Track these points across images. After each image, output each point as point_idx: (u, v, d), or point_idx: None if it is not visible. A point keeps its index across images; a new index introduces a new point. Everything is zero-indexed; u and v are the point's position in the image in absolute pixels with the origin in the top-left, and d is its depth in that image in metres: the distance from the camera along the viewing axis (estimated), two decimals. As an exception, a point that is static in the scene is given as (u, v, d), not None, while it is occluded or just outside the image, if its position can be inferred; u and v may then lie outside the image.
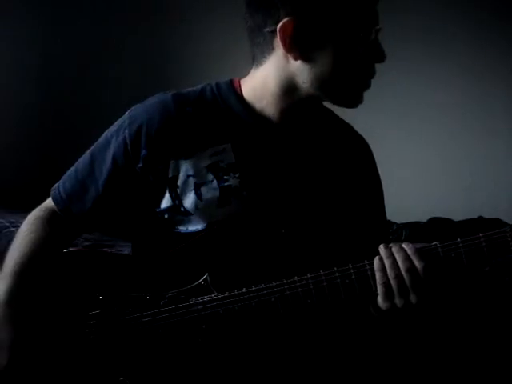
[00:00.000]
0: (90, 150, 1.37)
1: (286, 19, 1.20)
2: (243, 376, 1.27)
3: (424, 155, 3.22)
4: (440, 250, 1.18)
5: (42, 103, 3.37)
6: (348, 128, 1.42)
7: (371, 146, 1.44)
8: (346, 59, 1.23)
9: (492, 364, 1.86)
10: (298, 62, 1.23)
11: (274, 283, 1.22)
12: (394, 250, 1.19)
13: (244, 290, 1.23)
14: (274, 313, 1.22)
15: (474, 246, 1.17)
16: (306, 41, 1.21)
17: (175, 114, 1.30)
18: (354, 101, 1.28)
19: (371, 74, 1.27)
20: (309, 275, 1.21)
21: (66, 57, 3.43)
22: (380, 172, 1.43)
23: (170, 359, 1.25)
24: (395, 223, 2.87)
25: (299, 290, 1.21)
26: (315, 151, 1.34)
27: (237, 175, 1.29)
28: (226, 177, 1.29)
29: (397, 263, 1.18)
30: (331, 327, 1.31)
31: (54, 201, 1.39)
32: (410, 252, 1.18)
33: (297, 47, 1.21)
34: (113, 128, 1.35)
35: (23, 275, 1.28)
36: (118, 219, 1.40)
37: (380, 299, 1.19)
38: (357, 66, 1.24)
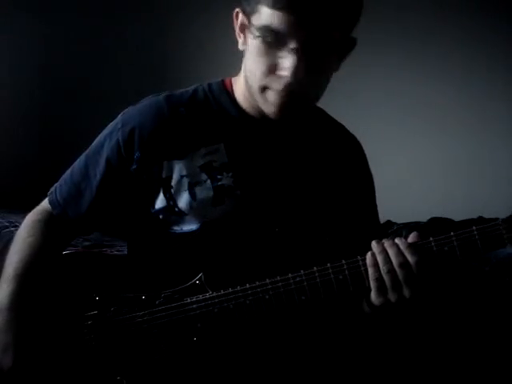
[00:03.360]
0: (84, 153, 1.38)
1: (236, 10, 1.24)
2: (239, 374, 1.27)
3: (424, 155, 3.22)
4: (433, 243, 1.18)
5: (42, 104, 3.38)
6: (339, 127, 1.42)
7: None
8: (249, 57, 1.23)
9: (492, 364, 1.86)
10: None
11: (267, 280, 1.22)
12: (387, 245, 1.19)
13: (238, 287, 1.23)
14: (269, 310, 1.22)
15: (467, 240, 1.17)
16: (239, 32, 1.25)
17: (168, 115, 1.31)
18: (267, 109, 1.24)
19: (272, 85, 1.21)
20: (302, 272, 1.21)
21: (66, 58, 3.43)
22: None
23: (165, 358, 1.26)
24: (395, 223, 2.87)
25: (293, 286, 1.21)
26: (307, 150, 1.35)
27: (230, 174, 1.30)
28: (219, 176, 1.30)
29: (389, 258, 1.18)
30: (325, 323, 1.31)
31: (50, 205, 1.40)
32: (402, 247, 1.18)
33: (238, 38, 1.26)
34: (106, 131, 1.35)
35: (23, 279, 1.29)
36: (114, 220, 1.40)
37: (373, 295, 1.19)
38: (254, 68, 1.21)
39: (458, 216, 2.83)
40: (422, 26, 3.17)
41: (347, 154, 1.38)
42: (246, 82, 1.26)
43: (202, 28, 3.45)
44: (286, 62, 1.16)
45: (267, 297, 1.22)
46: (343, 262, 1.21)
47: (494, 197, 3.03)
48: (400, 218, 2.84)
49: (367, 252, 1.20)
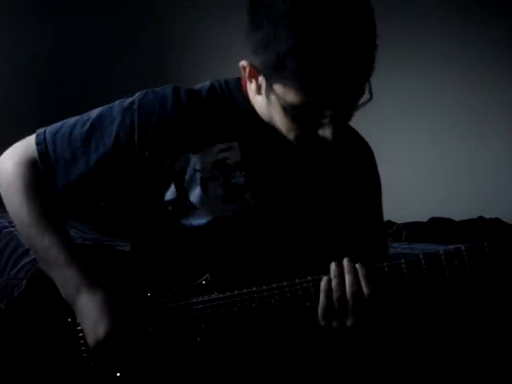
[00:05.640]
0: (90, 120, 1.30)
1: (244, 64, 1.22)
2: (241, 376, 1.28)
3: (424, 155, 3.22)
4: (404, 265, 1.17)
5: (42, 104, 3.37)
6: (352, 132, 1.40)
7: (372, 145, 1.43)
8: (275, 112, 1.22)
9: (492, 364, 1.86)
10: None
11: (274, 285, 1.22)
12: (346, 269, 1.19)
13: (244, 290, 1.23)
14: (274, 315, 1.22)
15: (436, 265, 1.17)
16: (249, 77, 1.24)
17: (188, 107, 1.29)
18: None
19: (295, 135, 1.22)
20: (309, 278, 1.20)
21: (66, 58, 3.42)
22: (380, 172, 1.42)
23: (168, 357, 1.26)
24: (395, 223, 2.87)
25: (299, 292, 1.21)
26: (320, 153, 1.33)
27: (243, 173, 1.29)
28: (232, 174, 1.28)
29: (344, 284, 1.18)
30: (329, 331, 1.30)
31: (39, 156, 1.31)
32: (360, 274, 1.18)
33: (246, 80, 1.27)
34: (118, 107, 1.30)
35: (77, 257, 1.28)
36: (104, 206, 1.38)
37: (320, 317, 1.19)
38: (284, 126, 1.22)
39: (457, 216, 2.83)
40: (422, 26, 3.17)
41: (358, 158, 1.37)
42: (272, 117, 1.24)
43: (203, 28, 3.45)
44: (326, 132, 1.18)
45: (273, 301, 1.21)
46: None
47: (494, 197, 3.03)
48: (400, 218, 2.85)
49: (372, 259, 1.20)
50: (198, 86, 1.34)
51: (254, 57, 1.16)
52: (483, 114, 3.15)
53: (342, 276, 1.18)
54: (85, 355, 1.28)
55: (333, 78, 1.11)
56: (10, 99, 3.21)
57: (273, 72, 1.15)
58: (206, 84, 1.33)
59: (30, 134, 1.37)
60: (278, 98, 1.17)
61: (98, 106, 1.34)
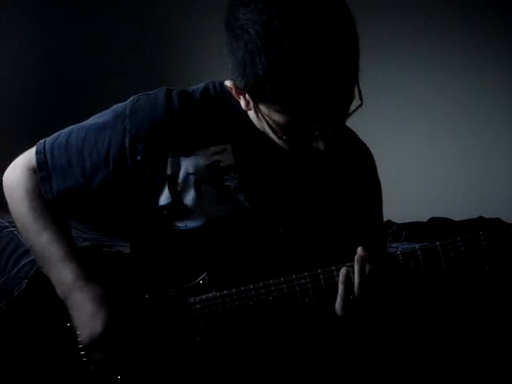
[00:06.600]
0: (85, 127, 1.34)
1: (229, 83, 1.22)
2: (241, 374, 1.28)
3: (424, 155, 3.22)
4: (400, 258, 1.18)
5: (42, 104, 3.37)
6: (350, 134, 1.40)
7: (371, 145, 1.42)
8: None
9: (492, 363, 1.86)
10: None
11: (271, 282, 1.22)
12: (368, 267, 1.18)
13: (242, 288, 1.23)
14: (272, 311, 1.22)
15: (433, 255, 1.17)
16: (236, 95, 1.23)
17: (179, 110, 1.29)
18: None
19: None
20: (307, 274, 1.21)
21: (66, 57, 3.42)
22: (380, 172, 1.42)
23: (167, 358, 1.26)
24: (395, 223, 2.87)
25: (297, 288, 1.21)
26: (316, 154, 1.33)
27: (236, 176, 1.29)
28: (225, 177, 1.29)
29: (365, 282, 1.18)
30: (329, 326, 1.31)
31: (38, 165, 1.35)
32: (378, 269, 1.18)
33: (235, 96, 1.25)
34: (111, 113, 1.32)
35: (74, 254, 1.30)
36: (105, 210, 1.40)
37: (338, 309, 1.20)
38: (275, 136, 1.21)
39: (458, 216, 2.83)
40: (422, 25, 3.17)
41: (356, 160, 1.37)
42: (264, 130, 1.23)
43: (203, 28, 3.45)
44: (319, 144, 1.18)
45: (271, 298, 1.22)
46: (348, 264, 1.20)
47: (494, 197, 3.03)
48: (400, 218, 2.84)
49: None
50: (192, 88, 1.34)
51: (237, 77, 1.15)
52: (483, 113, 3.15)
53: (363, 274, 1.18)
54: (85, 359, 1.28)
55: (314, 96, 1.10)
56: (9, 99, 3.21)
57: (255, 94, 1.14)
58: (201, 86, 1.34)
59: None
60: (265, 116, 1.17)
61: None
